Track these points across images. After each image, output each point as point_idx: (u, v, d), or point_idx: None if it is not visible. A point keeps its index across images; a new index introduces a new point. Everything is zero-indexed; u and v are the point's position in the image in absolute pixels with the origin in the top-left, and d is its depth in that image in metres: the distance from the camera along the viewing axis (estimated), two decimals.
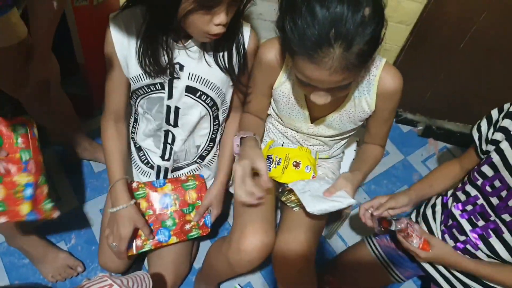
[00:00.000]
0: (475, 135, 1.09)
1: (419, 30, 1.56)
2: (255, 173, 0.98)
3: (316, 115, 1.12)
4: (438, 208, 1.20)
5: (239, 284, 1.46)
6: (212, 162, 1.31)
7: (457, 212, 1.11)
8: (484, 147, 1.06)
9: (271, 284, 1.47)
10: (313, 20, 0.76)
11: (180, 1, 0.83)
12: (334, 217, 1.50)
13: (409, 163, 1.91)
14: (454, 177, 1.18)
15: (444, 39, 1.59)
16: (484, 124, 1.08)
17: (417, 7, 1.48)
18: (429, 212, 1.22)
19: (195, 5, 0.83)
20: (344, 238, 1.64)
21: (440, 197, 1.21)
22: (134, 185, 1.20)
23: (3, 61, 1.08)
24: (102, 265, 1.23)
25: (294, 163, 1.16)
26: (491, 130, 1.05)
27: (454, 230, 1.11)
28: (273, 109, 1.19)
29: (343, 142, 1.26)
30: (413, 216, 1.28)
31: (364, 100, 1.04)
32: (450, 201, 1.16)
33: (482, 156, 1.07)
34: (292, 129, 1.18)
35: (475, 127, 1.10)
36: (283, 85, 1.08)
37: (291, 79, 1.06)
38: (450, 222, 1.13)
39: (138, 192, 1.19)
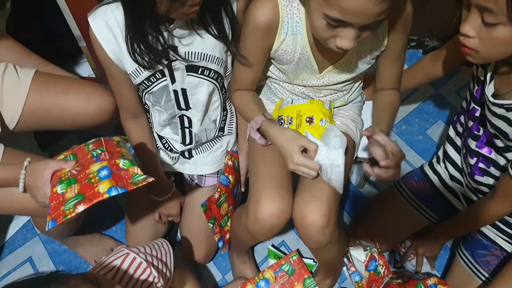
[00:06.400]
0: None
1: None
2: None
3: (324, 64, 1.03)
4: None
5: (272, 245, 1.45)
6: (231, 127, 1.29)
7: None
8: None
9: None
10: None
11: None
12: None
13: (441, 96, 1.78)
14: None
15: None
16: None
17: None
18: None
19: None
20: (377, 185, 1.58)
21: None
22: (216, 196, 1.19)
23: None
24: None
25: (307, 119, 1.09)
26: None
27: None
28: (275, 70, 1.10)
29: (357, 84, 1.16)
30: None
31: (375, 34, 0.95)
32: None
33: None
34: (300, 85, 1.10)
35: None
36: (283, 43, 0.99)
37: (292, 34, 0.97)
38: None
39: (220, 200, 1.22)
